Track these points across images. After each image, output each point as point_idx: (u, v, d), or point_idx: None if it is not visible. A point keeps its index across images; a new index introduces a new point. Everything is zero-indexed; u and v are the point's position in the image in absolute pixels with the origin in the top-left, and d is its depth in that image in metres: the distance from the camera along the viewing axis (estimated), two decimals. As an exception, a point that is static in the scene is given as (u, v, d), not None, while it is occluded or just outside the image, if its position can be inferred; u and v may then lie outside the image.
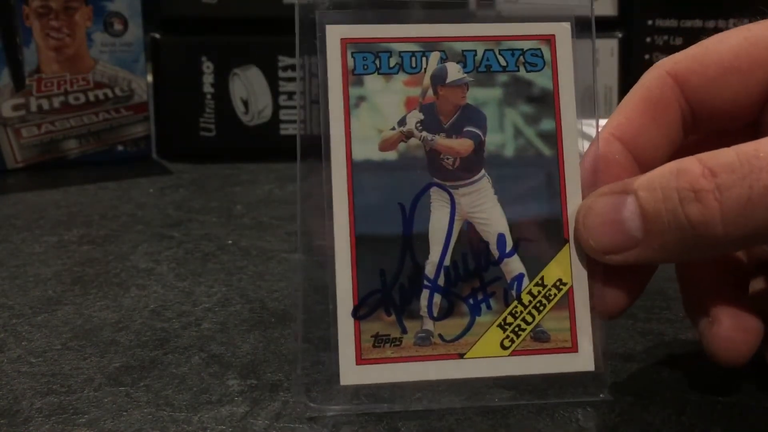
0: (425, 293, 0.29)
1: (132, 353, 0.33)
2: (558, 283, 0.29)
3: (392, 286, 0.28)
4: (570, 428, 0.28)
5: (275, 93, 0.66)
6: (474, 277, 0.29)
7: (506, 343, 0.29)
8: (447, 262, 0.29)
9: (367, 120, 0.29)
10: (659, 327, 0.35)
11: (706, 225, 0.26)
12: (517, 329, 0.29)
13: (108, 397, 0.30)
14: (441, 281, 0.29)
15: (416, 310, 0.29)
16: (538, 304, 0.29)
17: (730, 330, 0.28)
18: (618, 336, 0.34)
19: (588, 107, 0.30)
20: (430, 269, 0.29)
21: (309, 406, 0.28)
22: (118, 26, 0.63)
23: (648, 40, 0.68)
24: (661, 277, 0.34)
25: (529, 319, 0.29)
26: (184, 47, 0.66)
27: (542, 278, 0.29)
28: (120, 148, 0.65)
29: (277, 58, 0.66)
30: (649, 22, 0.68)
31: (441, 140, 0.29)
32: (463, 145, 0.29)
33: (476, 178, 0.29)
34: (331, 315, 0.28)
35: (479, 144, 0.29)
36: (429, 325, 0.29)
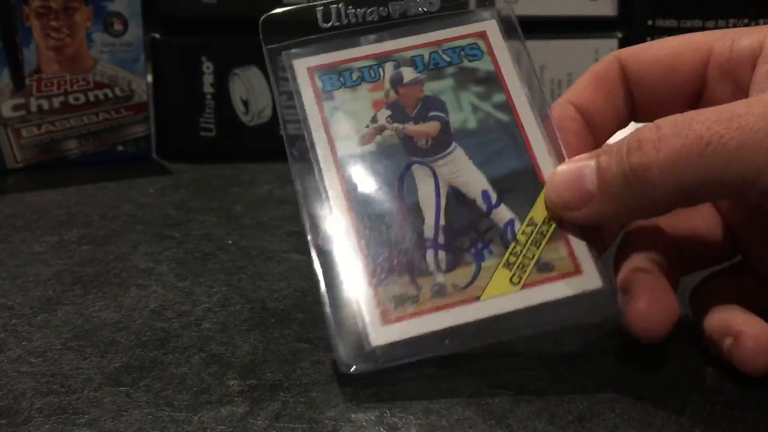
0: (430, 252, 0.31)
1: (132, 353, 0.33)
2: (547, 220, 0.31)
3: (399, 251, 0.31)
4: (569, 428, 0.28)
5: (275, 93, 0.66)
6: (470, 230, 0.31)
7: (515, 279, 0.31)
8: (442, 222, 0.32)
9: (343, 123, 0.34)
10: (659, 327, 0.35)
11: (643, 168, 0.28)
12: (521, 265, 0.31)
13: (108, 397, 0.30)
14: (441, 239, 0.31)
15: (425, 268, 0.31)
16: (534, 240, 0.31)
17: (646, 305, 0.30)
18: (618, 335, 0.34)
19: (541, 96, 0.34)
20: (428, 231, 0.31)
21: (345, 365, 0.29)
22: (118, 26, 0.63)
23: (648, 40, 0.68)
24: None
25: (529, 254, 0.31)
26: (184, 47, 0.66)
27: (531, 218, 0.32)
28: (120, 148, 0.65)
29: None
30: (649, 22, 0.68)
31: (411, 127, 0.33)
32: (432, 127, 0.33)
33: (449, 150, 0.33)
34: (329, 298, 0.30)
35: (445, 124, 0.33)
36: (440, 278, 0.31)
